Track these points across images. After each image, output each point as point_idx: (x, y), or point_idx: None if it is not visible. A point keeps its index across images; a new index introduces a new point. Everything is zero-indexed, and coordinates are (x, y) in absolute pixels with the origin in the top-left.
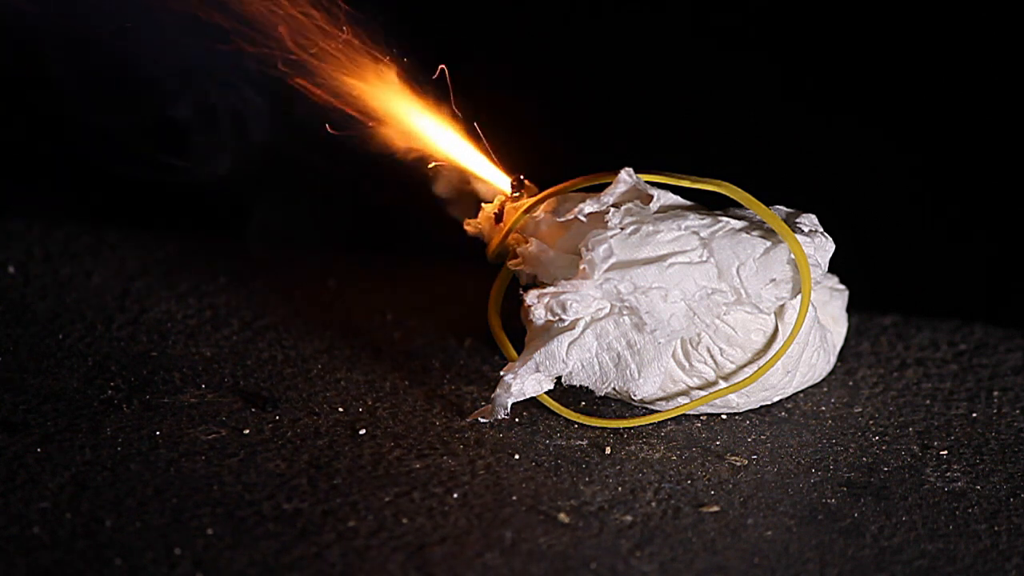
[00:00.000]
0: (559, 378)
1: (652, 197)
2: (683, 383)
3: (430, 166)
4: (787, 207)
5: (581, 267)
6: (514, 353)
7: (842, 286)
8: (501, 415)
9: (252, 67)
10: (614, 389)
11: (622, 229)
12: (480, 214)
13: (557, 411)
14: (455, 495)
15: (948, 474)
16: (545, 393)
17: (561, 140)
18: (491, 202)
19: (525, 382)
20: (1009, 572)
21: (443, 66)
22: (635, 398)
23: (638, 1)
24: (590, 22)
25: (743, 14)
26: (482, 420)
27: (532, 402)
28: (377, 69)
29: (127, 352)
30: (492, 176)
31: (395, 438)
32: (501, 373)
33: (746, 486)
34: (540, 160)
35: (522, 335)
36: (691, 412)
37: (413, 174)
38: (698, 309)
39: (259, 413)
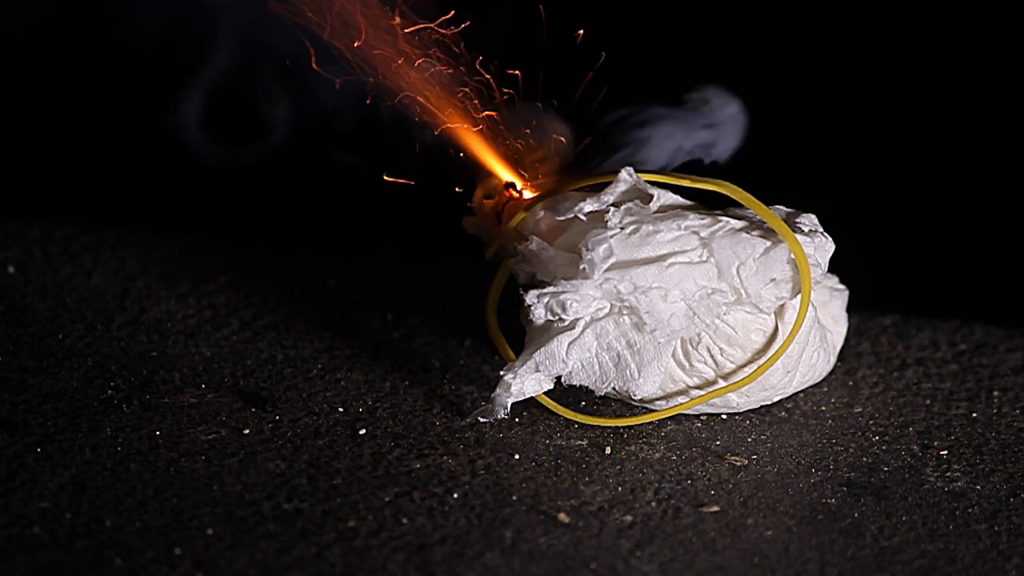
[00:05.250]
0: (559, 378)
1: (652, 197)
2: (683, 383)
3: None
4: (787, 207)
5: (581, 267)
6: (510, 351)
7: (842, 286)
8: (501, 415)
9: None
10: (614, 389)
11: (622, 229)
12: (479, 212)
13: (557, 411)
14: (455, 495)
15: (948, 474)
16: (545, 393)
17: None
18: (491, 199)
19: (525, 382)
20: (1009, 572)
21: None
22: (635, 398)
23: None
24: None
25: (743, 12)
26: (482, 420)
27: (532, 402)
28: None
29: (127, 352)
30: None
31: (395, 438)
32: (501, 373)
33: (746, 486)
34: (541, 160)
35: (520, 334)
36: (691, 412)
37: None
38: (698, 309)
39: (259, 413)
